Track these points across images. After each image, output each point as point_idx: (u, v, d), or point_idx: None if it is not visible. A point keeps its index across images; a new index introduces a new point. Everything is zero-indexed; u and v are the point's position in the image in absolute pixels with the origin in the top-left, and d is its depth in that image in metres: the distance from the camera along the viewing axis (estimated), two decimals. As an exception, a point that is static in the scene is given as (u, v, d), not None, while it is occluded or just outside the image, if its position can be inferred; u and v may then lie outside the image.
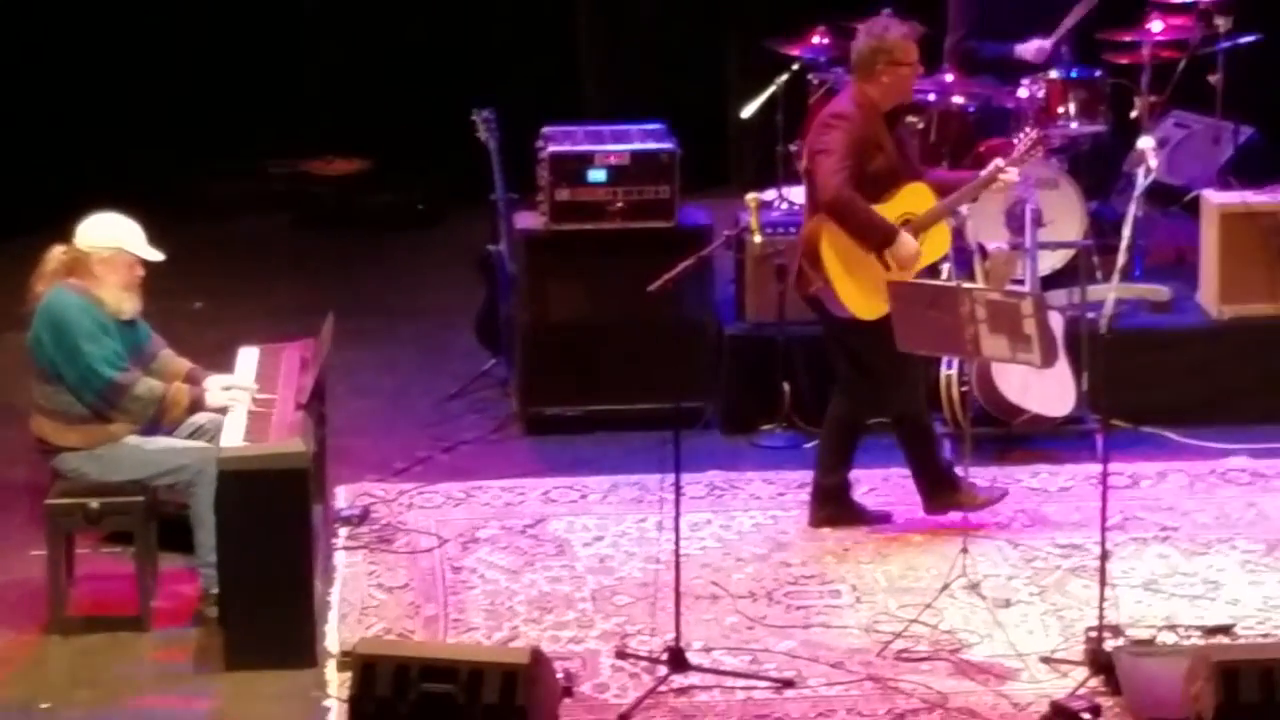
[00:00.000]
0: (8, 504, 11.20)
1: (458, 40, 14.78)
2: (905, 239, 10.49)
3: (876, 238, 10.46)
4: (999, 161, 10.65)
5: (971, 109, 12.66)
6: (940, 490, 10.87)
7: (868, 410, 10.92)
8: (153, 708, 9.53)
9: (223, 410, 10.21)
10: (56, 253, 10.13)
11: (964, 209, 11.19)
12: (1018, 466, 11.55)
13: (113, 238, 10.07)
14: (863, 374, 10.75)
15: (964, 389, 11.40)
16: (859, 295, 10.55)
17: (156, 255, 10.20)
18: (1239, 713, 8.78)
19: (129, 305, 10.13)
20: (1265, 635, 9.86)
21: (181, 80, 14.95)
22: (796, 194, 12.56)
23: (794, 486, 11.39)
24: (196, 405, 10.22)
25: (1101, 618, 9.58)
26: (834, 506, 10.95)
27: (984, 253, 11.86)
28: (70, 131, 14.57)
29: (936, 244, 10.68)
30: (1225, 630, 9.80)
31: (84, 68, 14.76)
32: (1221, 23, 12.86)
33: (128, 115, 14.80)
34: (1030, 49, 12.85)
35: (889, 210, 10.51)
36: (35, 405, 10.15)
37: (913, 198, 10.61)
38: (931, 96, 12.74)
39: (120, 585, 10.22)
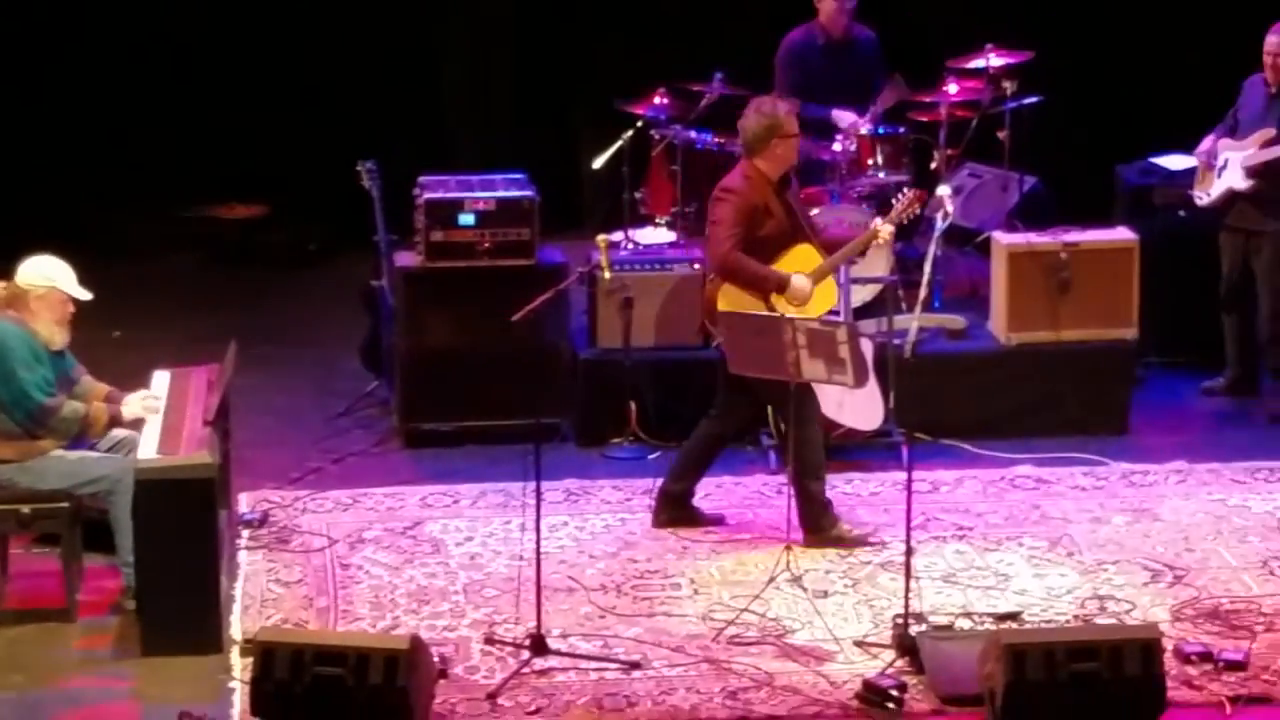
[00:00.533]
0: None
1: (344, 99, 14.60)
2: (798, 280, 10.42)
3: (769, 286, 10.43)
4: (878, 220, 10.66)
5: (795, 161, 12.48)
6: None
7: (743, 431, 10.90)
8: (79, 688, 9.48)
9: (138, 423, 10.13)
10: None
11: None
12: (834, 474, 11.28)
13: (48, 277, 10.01)
14: (741, 394, 10.62)
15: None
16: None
17: (86, 295, 10.12)
18: (1026, 688, 8.74)
19: (60, 337, 10.08)
20: (1048, 621, 9.83)
21: (102, 133, 14.74)
22: (642, 236, 12.63)
23: (639, 493, 11.27)
24: (115, 421, 10.18)
25: (907, 607, 9.53)
26: (676, 510, 10.84)
27: (804, 287, 11.78)
28: (1, 180, 14.36)
29: (826, 297, 10.57)
30: (1014, 617, 9.77)
31: (14, 123, 14.57)
32: (1008, 86, 12.80)
33: (54, 165, 14.61)
34: (845, 119, 12.78)
35: (788, 266, 10.45)
36: (-27, 423, 10.09)
37: (802, 257, 10.52)
38: (758, 150, 12.57)
39: (49, 581, 10.11)
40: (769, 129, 10.47)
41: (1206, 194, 12.09)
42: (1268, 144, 11.82)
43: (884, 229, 10.59)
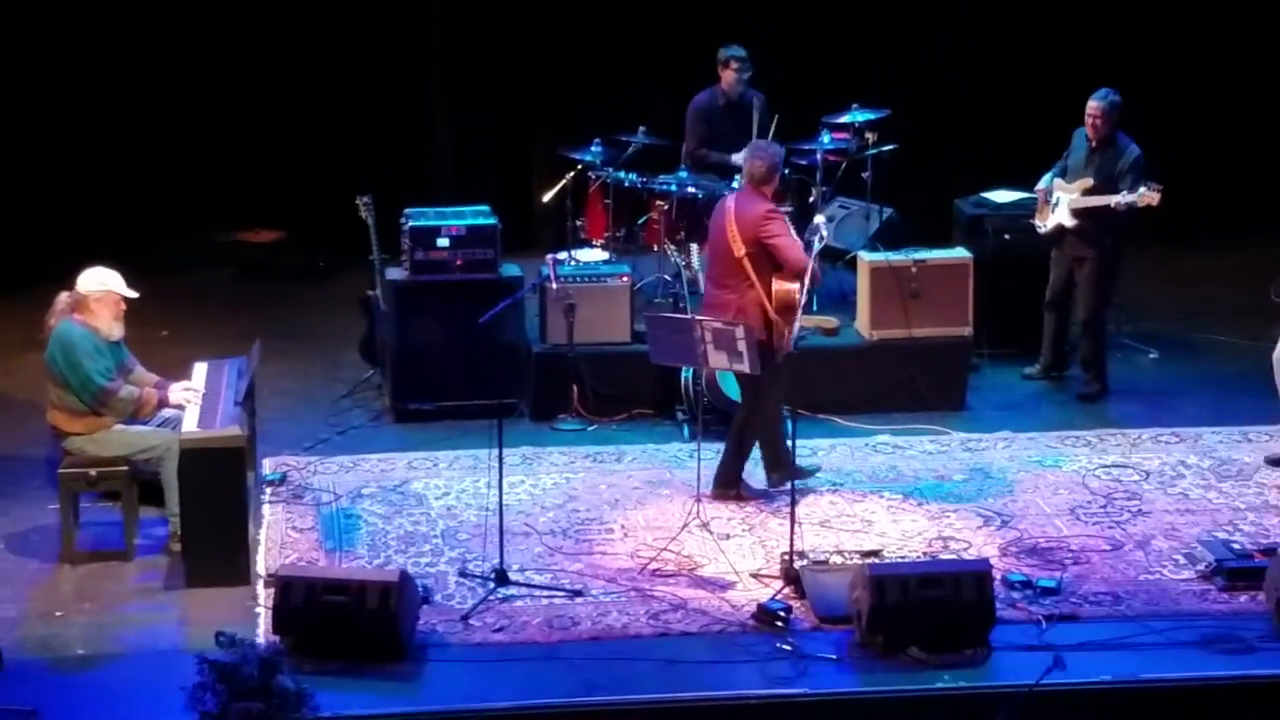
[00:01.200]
0: (32, 473, 10.97)
1: (346, 147, 14.49)
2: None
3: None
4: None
5: (700, 196, 12.52)
6: (779, 466, 10.64)
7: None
8: (135, 613, 9.46)
9: (181, 406, 10.14)
10: (63, 296, 10.11)
11: None
12: (735, 441, 11.39)
13: (103, 283, 10.04)
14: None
15: (697, 389, 11.27)
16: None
17: (134, 294, 10.16)
18: (885, 610, 8.88)
19: (116, 331, 10.10)
20: (903, 556, 9.85)
21: (151, 169, 14.65)
22: (582, 255, 12.48)
23: (581, 457, 11.28)
24: (163, 404, 10.19)
25: (792, 546, 9.55)
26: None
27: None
28: (65, 208, 14.33)
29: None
30: (875, 554, 9.75)
31: (69, 161, 14.50)
32: (870, 137, 12.80)
33: (109, 196, 14.52)
34: (740, 158, 12.61)
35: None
36: (50, 403, 10.10)
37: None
38: (674, 187, 12.59)
39: (111, 530, 10.11)
40: (772, 167, 10.42)
41: (1043, 224, 12.08)
42: (1088, 192, 11.81)
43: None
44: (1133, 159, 11.79)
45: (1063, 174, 12.05)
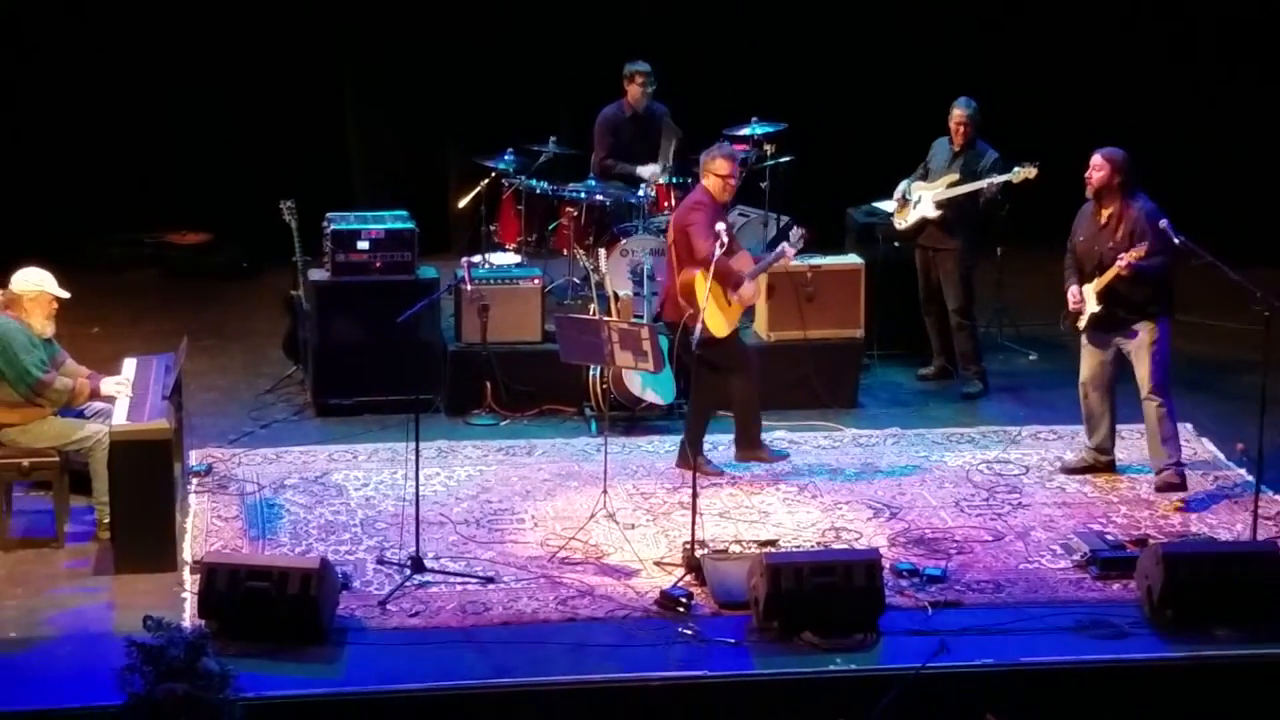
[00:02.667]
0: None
1: (270, 152, 14.39)
2: (748, 283, 10.49)
3: (733, 282, 10.39)
4: (786, 247, 10.66)
5: (608, 204, 12.56)
6: (749, 445, 10.78)
7: (715, 396, 10.77)
8: (66, 598, 9.41)
9: (112, 399, 10.08)
10: None
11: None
12: (639, 437, 11.45)
13: (37, 283, 9.96)
14: (715, 371, 10.55)
15: (604, 386, 11.30)
16: (716, 321, 10.35)
17: (66, 294, 10.07)
18: (781, 596, 8.89)
19: (49, 329, 10.03)
20: (798, 546, 9.86)
21: (82, 173, 14.53)
22: (495, 258, 12.46)
23: (494, 450, 11.26)
24: (94, 395, 10.11)
25: (693, 535, 9.55)
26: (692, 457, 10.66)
27: (617, 297, 11.78)
28: (8, 211, 14.16)
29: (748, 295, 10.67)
30: (772, 543, 9.76)
31: (8, 159, 14.37)
32: (769, 149, 12.85)
33: (41, 198, 14.39)
34: (647, 172, 12.79)
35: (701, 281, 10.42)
36: (-17, 396, 9.98)
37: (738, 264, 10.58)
38: (582, 195, 12.61)
39: (43, 517, 10.08)
40: (719, 166, 10.51)
41: (904, 221, 12.23)
42: (954, 184, 11.99)
43: (790, 252, 10.69)
44: (994, 158, 12.05)
45: (923, 178, 12.21)
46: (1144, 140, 12.84)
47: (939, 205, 12.02)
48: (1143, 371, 10.52)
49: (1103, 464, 10.86)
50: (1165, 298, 10.49)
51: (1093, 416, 10.82)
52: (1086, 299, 10.52)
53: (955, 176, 12.00)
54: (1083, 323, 10.60)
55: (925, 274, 12.34)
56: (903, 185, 12.27)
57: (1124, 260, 10.27)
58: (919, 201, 12.13)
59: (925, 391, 12.39)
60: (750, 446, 10.81)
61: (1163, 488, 10.52)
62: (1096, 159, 10.49)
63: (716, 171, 10.53)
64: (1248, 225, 14.63)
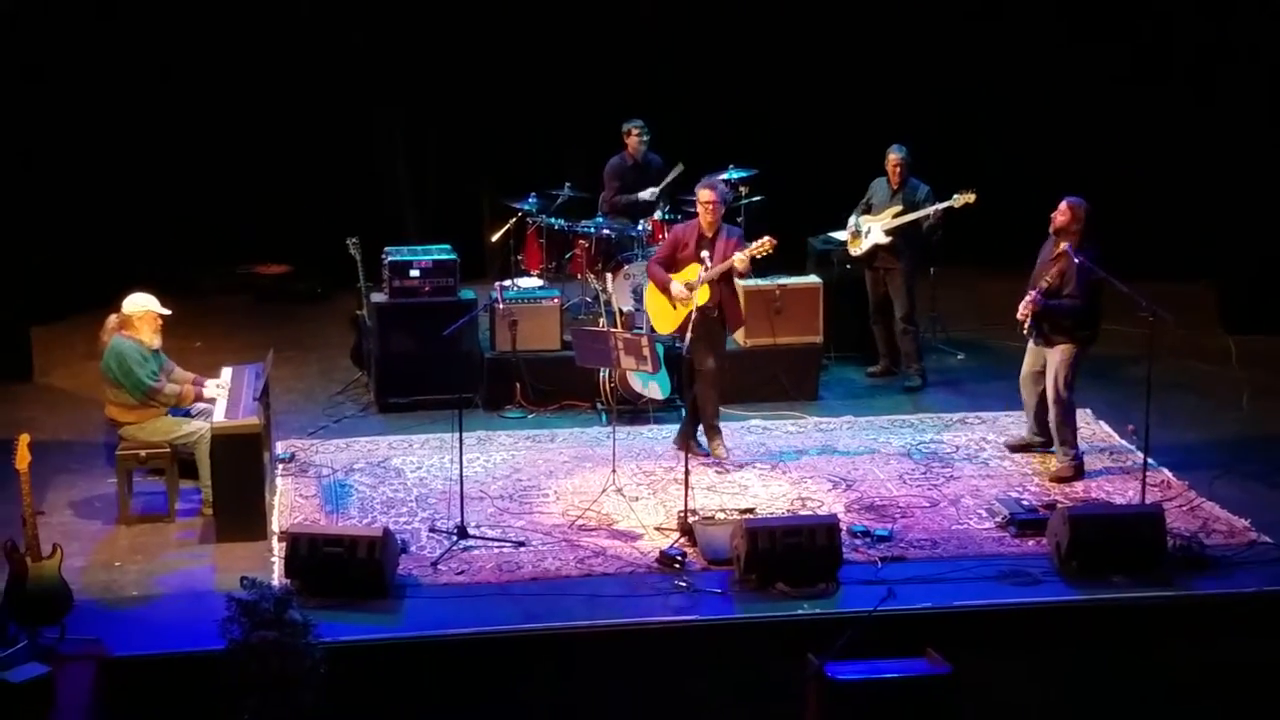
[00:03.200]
0: (95, 454, 10.89)
1: (339, 199, 14.31)
2: (676, 285, 10.44)
3: (659, 284, 10.47)
4: (739, 254, 10.42)
5: (613, 236, 12.53)
6: (680, 435, 10.74)
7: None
8: (176, 561, 9.42)
9: (213, 400, 10.08)
10: (112, 317, 10.05)
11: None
12: (642, 426, 11.41)
13: (143, 304, 9.99)
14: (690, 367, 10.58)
15: (612, 385, 11.29)
16: (658, 320, 10.58)
17: (167, 311, 10.09)
18: (758, 554, 8.90)
19: (156, 341, 10.04)
20: (771, 513, 9.83)
21: (184, 214, 14.51)
22: (522, 282, 12.35)
23: (523, 439, 11.21)
24: (199, 398, 10.10)
25: (686, 505, 9.57)
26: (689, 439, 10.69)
27: (622, 313, 11.76)
28: (113, 243, 14.10)
29: (702, 294, 10.47)
30: (750, 511, 9.74)
31: (115, 205, 14.28)
32: (743, 190, 12.78)
33: (153, 237, 14.32)
34: (646, 194, 12.77)
35: (680, 277, 10.46)
36: (107, 401, 10.02)
37: (690, 272, 10.47)
38: (592, 229, 12.57)
39: (158, 498, 10.07)
40: (708, 193, 10.48)
41: (858, 250, 12.17)
42: (898, 215, 11.94)
43: (741, 258, 10.42)
44: (926, 192, 12.00)
45: (867, 211, 12.16)
46: (1047, 175, 12.93)
47: (888, 233, 11.97)
48: (1047, 383, 10.43)
49: (1038, 443, 10.73)
50: (1083, 328, 10.28)
51: (1029, 403, 10.73)
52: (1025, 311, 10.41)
53: (899, 208, 11.97)
54: (1025, 330, 10.48)
55: (875, 291, 12.27)
56: (852, 220, 12.21)
57: (1033, 295, 10.18)
58: (869, 232, 12.09)
59: (874, 386, 12.34)
60: (681, 436, 10.70)
61: (1056, 479, 10.38)
62: (1063, 205, 10.27)
63: (699, 199, 10.53)
64: (1136, 241, 14.65)
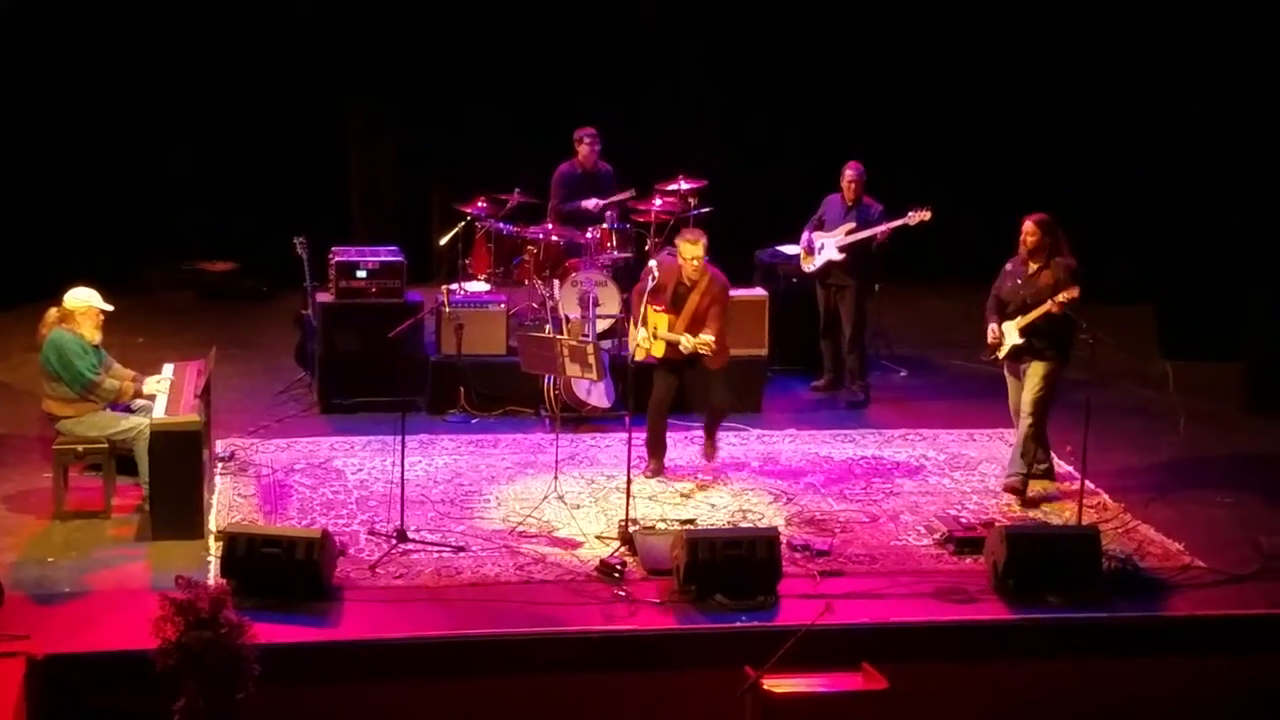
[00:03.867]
0: (30, 448, 10.78)
1: (287, 198, 14.19)
2: (635, 331, 10.25)
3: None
4: (703, 337, 10.12)
5: (562, 243, 12.50)
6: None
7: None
8: (112, 559, 9.30)
9: (153, 396, 9.99)
10: (53, 310, 9.93)
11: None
12: (586, 434, 11.37)
13: (85, 299, 9.87)
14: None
15: (557, 392, 11.25)
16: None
17: (109, 307, 9.96)
18: (698, 565, 8.87)
19: (97, 337, 9.91)
20: (712, 524, 9.84)
21: (129, 207, 14.41)
22: (469, 286, 12.29)
23: (466, 444, 11.16)
24: (138, 394, 10.01)
25: (627, 514, 9.54)
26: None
27: (568, 320, 11.73)
28: (56, 235, 14.02)
29: (658, 348, 10.30)
30: (691, 522, 9.74)
31: (62, 196, 14.22)
32: (692, 201, 12.75)
33: (98, 231, 14.21)
34: (590, 204, 12.71)
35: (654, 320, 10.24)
36: (44, 394, 9.91)
37: (659, 320, 10.25)
38: (540, 236, 12.53)
39: (94, 494, 9.95)
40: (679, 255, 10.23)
41: (812, 265, 12.16)
42: (851, 232, 11.95)
43: (705, 340, 10.10)
44: (879, 211, 12.01)
45: (819, 228, 12.13)
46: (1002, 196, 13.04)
47: (841, 250, 11.98)
48: (1029, 395, 10.24)
49: (1039, 472, 10.51)
50: (1070, 344, 10.19)
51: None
52: (1007, 334, 10.20)
53: (852, 225, 11.97)
54: (1003, 353, 10.29)
55: (826, 307, 12.26)
56: (805, 236, 12.18)
57: (1060, 299, 9.96)
58: (822, 248, 12.09)
59: (817, 400, 12.35)
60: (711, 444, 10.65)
61: (1006, 489, 10.37)
62: (1029, 225, 10.14)
63: (683, 252, 10.25)
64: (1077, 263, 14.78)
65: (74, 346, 9.71)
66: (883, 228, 11.91)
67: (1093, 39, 14.79)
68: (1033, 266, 10.21)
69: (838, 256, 12.02)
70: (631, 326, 10.29)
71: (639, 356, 10.30)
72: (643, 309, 10.20)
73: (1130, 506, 10.29)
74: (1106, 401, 11.51)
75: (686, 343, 10.11)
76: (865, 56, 14.89)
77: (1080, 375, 10.31)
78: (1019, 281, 10.25)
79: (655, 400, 10.48)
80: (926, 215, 11.77)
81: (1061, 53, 14.86)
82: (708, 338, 10.11)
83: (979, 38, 14.91)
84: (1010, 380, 10.46)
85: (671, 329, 10.22)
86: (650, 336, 10.23)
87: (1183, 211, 13.93)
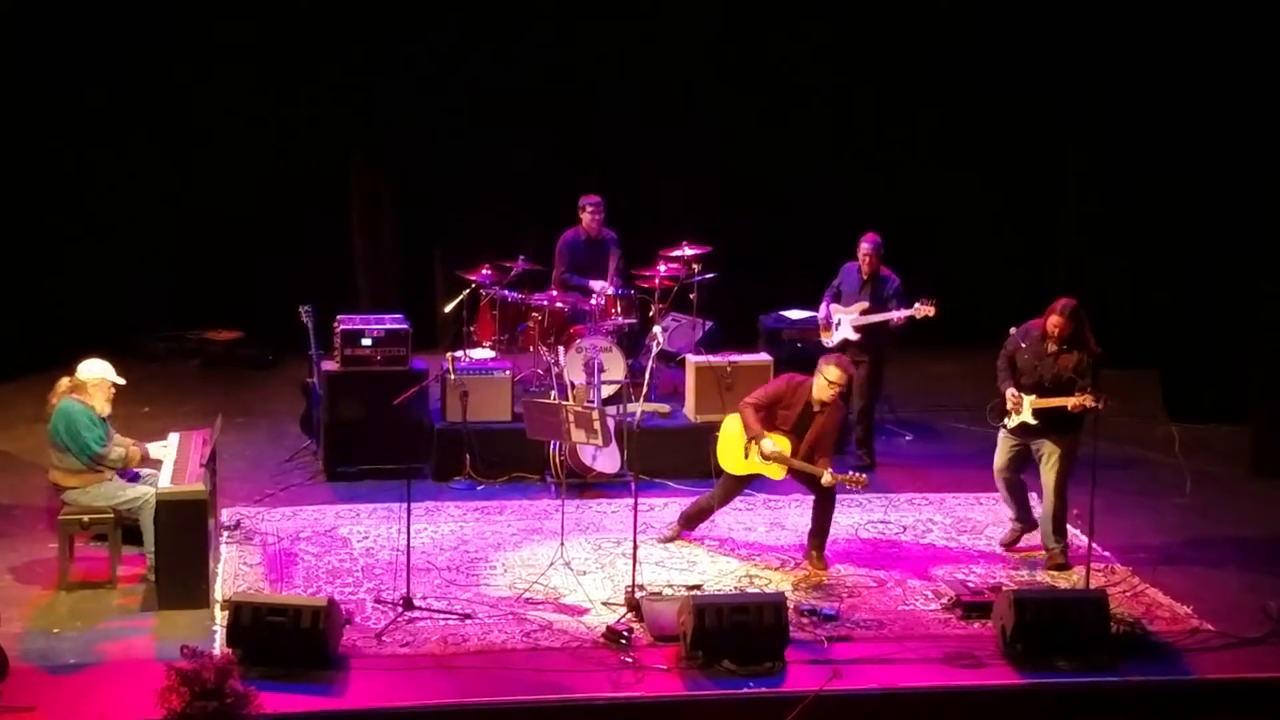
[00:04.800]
0: (35, 518, 10.76)
1: (291, 267, 14.17)
2: (769, 444, 10.02)
3: (752, 434, 10.06)
4: (827, 473, 9.96)
5: (567, 310, 12.53)
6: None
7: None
8: (118, 629, 9.26)
9: (159, 462, 9.99)
10: (64, 380, 9.92)
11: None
12: (591, 499, 11.35)
13: (99, 373, 9.87)
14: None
15: (562, 459, 11.24)
16: (726, 454, 10.30)
17: (122, 381, 9.96)
18: (705, 631, 8.83)
19: (107, 409, 9.91)
20: (719, 589, 9.80)
21: (135, 281, 14.47)
22: (474, 354, 12.32)
23: (472, 510, 11.14)
24: (145, 457, 10.03)
25: (634, 580, 9.53)
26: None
27: (574, 386, 11.73)
28: (61, 306, 14.13)
29: (772, 468, 10.13)
30: (697, 587, 9.72)
31: (73, 262, 14.32)
32: (696, 267, 12.78)
33: (104, 301, 14.29)
34: (596, 285, 12.72)
35: (775, 439, 10.07)
36: (51, 465, 9.89)
37: (782, 442, 10.06)
38: (545, 303, 12.56)
39: (100, 563, 9.93)
40: (819, 386, 9.99)
41: (830, 340, 12.06)
42: (865, 312, 11.88)
43: (827, 476, 9.90)
44: (895, 286, 11.93)
45: (836, 298, 12.10)
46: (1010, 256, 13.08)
47: (857, 329, 11.96)
48: (1052, 475, 10.16)
49: (1028, 529, 10.48)
50: (1078, 420, 10.13)
51: (1013, 496, 10.45)
52: (1024, 407, 10.10)
53: (865, 304, 11.89)
54: (1011, 423, 10.19)
55: None
56: (823, 308, 12.08)
57: (1081, 402, 9.81)
58: (839, 324, 12.01)
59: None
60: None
61: (1053, 567, 10.26)
62: (1056, 319, 9.97)
63: (827, 376, 10.01)
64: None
65: (83, 418, 9.72)
66: (895, 315, 11.83)
67: (1094, 99, 14.83)
68: (1051, 345, 10.11)
69: (854, 336, 11.97)
70: (727, 425, 10.23)
71: (746, 471, 10.18)
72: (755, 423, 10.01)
73: (1138, 570, 10.26)
74: (1112, 465, 11.50)
75: (829, 478, 9.91)
76: (869, 120, 14.94)
77: (1086, 439, 10.29)
78: (1038, 360, 10.12)
79: (719, 499, 10.43)
80: (930, 311, 11.70)
81: (1064, 110, 14.92)
82: (862, 476, 10.07)
83: (981, 99, 14.95)
84: (1005, 444, 10.36)
85: (795, 453, 10.04)
86: (775, 452, 9.98)
87: (1187, 275, 13.94)
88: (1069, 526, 10.55)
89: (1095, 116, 14.79)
